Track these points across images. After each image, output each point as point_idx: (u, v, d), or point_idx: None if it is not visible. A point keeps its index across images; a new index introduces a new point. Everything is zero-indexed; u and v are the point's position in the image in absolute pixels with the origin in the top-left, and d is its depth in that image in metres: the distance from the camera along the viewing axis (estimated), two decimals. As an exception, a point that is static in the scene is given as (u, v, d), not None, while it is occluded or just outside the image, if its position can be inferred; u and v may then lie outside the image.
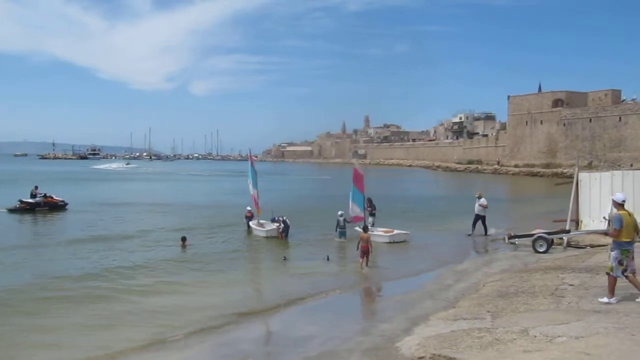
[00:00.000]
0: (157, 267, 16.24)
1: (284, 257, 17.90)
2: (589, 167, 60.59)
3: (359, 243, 16.10)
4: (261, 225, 22.55)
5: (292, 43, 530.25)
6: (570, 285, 11.05)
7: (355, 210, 20.84)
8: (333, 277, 15.49)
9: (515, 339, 7.72)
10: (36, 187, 31.82)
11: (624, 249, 9.30)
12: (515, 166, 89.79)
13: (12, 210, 29.77)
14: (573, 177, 19.82)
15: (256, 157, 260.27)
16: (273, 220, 22.34)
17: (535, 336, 7.75)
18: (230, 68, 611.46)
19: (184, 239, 19.90)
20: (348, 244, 19.56)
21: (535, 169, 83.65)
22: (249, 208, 23.62)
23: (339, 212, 21.13)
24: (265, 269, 17.23)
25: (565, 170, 72.03)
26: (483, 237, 22.24)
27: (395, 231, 21.23)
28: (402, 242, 20.88)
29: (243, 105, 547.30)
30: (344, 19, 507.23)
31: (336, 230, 21.11)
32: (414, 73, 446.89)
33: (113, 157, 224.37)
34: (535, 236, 18.07)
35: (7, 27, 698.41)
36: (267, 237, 21.55)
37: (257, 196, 23.36)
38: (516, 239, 19.39)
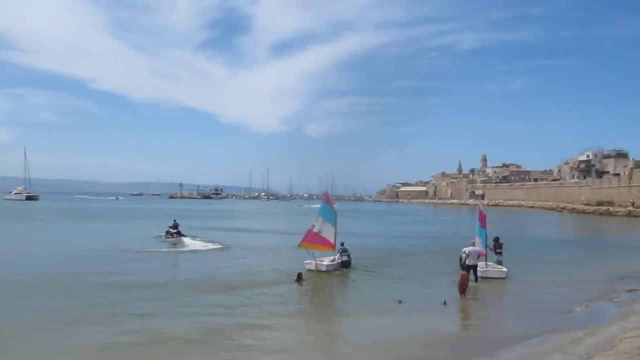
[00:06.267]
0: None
1: (399, 300, 17.52)
2: None
3: (460, 279, 17.78)
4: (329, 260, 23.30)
5: (404, 83, 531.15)
6: None
7: (479, 246, 21.89)
8: (451, 324, 14.88)
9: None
10: (175, 220, 38.61)
11: None
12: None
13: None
14: None
15: (370, 197, 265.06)
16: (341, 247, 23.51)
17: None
18: (343, 110, 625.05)
19: (299, 276, 20.45)
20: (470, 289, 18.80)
21: (679, 212, 75.62)
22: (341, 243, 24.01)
23: (464, 249, 21.37)
24: (377, 313, 16.10)
25: None
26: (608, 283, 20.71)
27: (494, 267, 22.15)
28: (497, 278, 21.39)
29: (356, 146, 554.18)
30: (459, 57, 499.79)
31: (460, 265, 21.50)
32: (535, 108, 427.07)
33: (234, 197, 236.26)
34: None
35: (142, 77, 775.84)
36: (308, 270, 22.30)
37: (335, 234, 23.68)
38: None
